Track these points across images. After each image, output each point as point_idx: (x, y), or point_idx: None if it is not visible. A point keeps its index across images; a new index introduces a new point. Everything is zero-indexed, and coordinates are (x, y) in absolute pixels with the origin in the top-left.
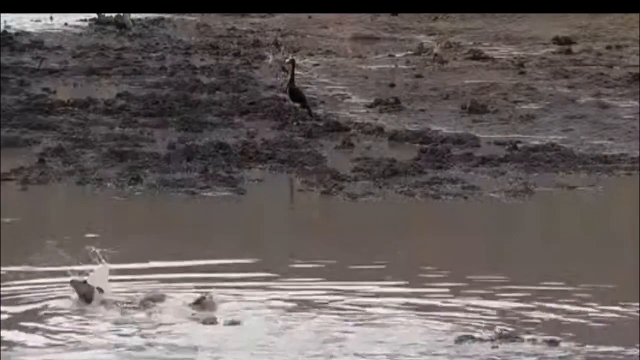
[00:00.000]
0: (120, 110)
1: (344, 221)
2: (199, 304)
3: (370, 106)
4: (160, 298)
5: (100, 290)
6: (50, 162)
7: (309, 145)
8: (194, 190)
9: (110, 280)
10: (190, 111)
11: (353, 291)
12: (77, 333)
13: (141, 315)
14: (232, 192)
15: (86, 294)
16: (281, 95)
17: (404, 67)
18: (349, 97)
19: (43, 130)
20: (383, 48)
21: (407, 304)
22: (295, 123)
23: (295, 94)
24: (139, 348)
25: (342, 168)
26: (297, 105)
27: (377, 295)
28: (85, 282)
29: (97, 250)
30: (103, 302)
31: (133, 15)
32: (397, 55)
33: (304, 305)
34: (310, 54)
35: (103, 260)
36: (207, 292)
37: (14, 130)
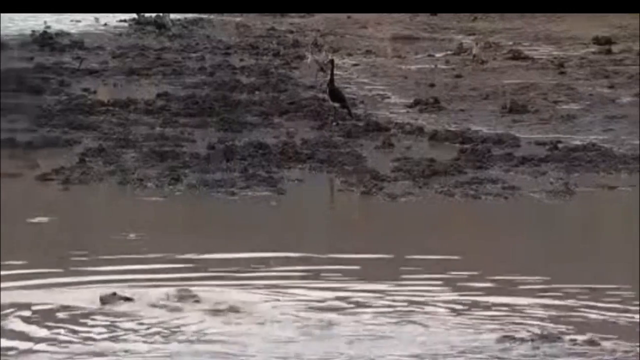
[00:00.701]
0: (160, 111)
1: (384, 221)
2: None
3: (410, 106)
4: (192, 296)
5: (129, 299)
6: (91, 162)
7: (349, 145)
8: (233, 190)
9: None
10: (230, 111)
11: (393, 290)
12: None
13: (169, 313)
14: (271, 192)
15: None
16: (321, 95)
17: (444, 67)
18: (388, 97)
19: (84, 130)
20: (422, 48)
21: (447, 303)
22: (335, 123)
23: (335, 94)
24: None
25: (382, 168)
26: (337, 105)
27: (417, 294)
28: (114, 294)
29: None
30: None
31: (173, 16)
32: (437, 55)
33: (344, 304)
34: (350, 54)
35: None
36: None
37: (54, 131)
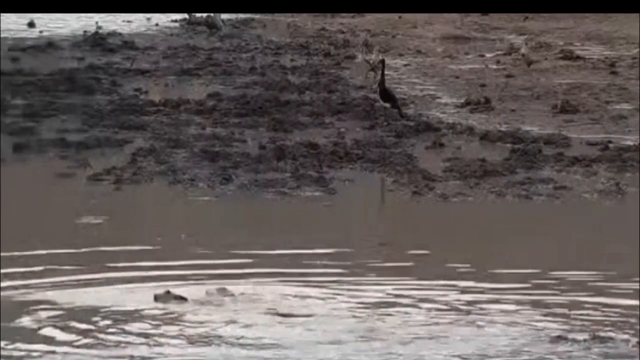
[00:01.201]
0: (211, 111)
1: (435, 221)
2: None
3: (461, 106)
4: (244, 295)
5: (182, 298)
6: (142, 162)
7: (400, 146)
8: (284, 190)
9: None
10: (281, 111)
11: (445, 289)
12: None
13: (221, 312)
14: (322, 192)
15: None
16: (372, 95)
17: (495, 67)
18: (439, 97)
19: (135, 130)
20: (473, 48)
21: (498, 302)
22: (385, 123)
23: (386, 94)
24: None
25: (433, 168)
26: (388, 105)
27: (469, 292)
28: (168, 292)
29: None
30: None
31: (224, 16)
32: (488, 55)
33: (397, 302)
34: (401, 54)
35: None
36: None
37: (106, 131)
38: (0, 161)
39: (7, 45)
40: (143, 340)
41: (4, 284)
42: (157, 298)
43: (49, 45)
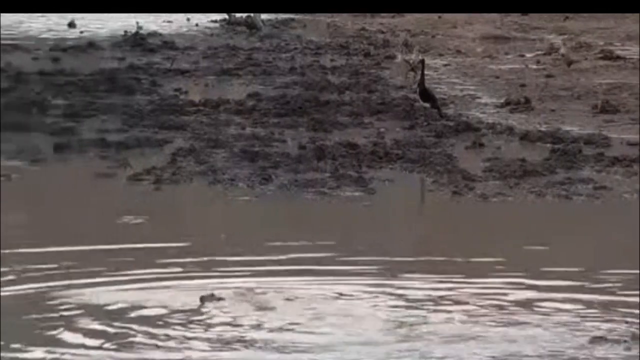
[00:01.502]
0: (251, 111)
1: (476, 221)
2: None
3: (501, 106)
4: (284, 296)
5: (220, 299)
6: (182, 162)
7: (439, 146)
8: (324, 190)
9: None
10: (321, 111)
11: (486, 288)
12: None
13: (261, 313)
14: (362, 192)
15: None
16: (411, 95)
17: (535, 67)
18: (479, 97)
19: (175, 130)
20: (513, 48)
21: (538, 301)
22: (425, 123)
23: (426, 94)
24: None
25: (473, 168)
26: (428, 105)
27: (509, 292)
28: (212, 294)
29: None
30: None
31: (264, 16)
32: (528, 55)
33: (437, 302)
34: (440, 54)
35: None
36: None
37: (146, 131)
38: (42, 161)
39: (48, 46)
40: (179, 342)
41: (43, 283)
42: (202, 299)
43: (90, 45)
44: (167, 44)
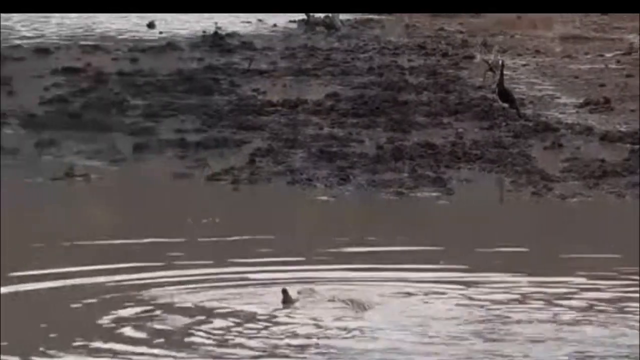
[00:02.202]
0: (329, 111)
1: (555, 222)
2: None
3: (580, 106)
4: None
5: (301, 299)
6: (260, 162)
7: (518, 146)
8: (402, 190)
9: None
10: (399, 111)
11: (570, 287)
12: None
13: (342, 313)
14: (440, 192)
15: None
16: (490, 95)
17: (614, 66)
18: (558, 97)
19: (253, 130)
20: (592, 48)
21: (622, 301)
22: (504, 123)
23: (505, 95)
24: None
25: (552, 168)
26: (506, 105)
27: (594, 291)
28: (284, 290)
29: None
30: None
31: (342, 16)
32: (607, 55)
33: (521, 301)
34: (519, 54)
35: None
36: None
37: (224, 131)
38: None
39: (127, 47)
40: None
41: (118, 277)
42: (284, 300)
43: (168, 46)
44: (246, 44)
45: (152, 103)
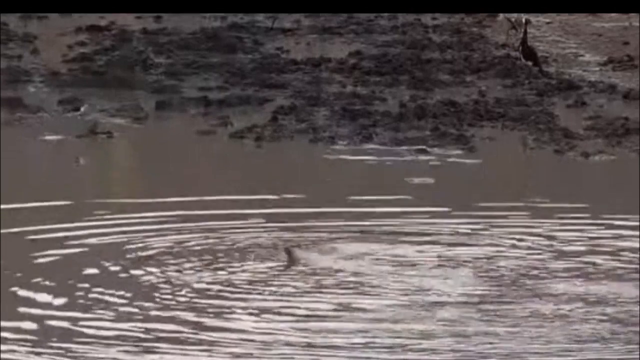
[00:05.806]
0: (352, 69)
1: (577, 179)
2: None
3: (603, 64)
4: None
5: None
6: (283, 120)
7: (541, 104)
8: (425, 148)
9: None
10: (422, 70)
11: (571, 244)
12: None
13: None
14: (463, 150)
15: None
16: (513, 53)
17: (638, 24)
18: (581, 55)
19: (276, 88)
20: None
21: None
22: (527, 81)
23: (528, 53)
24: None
25: (574, 126)
26: (529, 63)
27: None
28: (287, 250)
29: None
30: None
31: None
32: (631, 13)
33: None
34: None
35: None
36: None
37: (247, 89)
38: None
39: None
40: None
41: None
42: (288, 259)
43: None
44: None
45: (175, 61)
